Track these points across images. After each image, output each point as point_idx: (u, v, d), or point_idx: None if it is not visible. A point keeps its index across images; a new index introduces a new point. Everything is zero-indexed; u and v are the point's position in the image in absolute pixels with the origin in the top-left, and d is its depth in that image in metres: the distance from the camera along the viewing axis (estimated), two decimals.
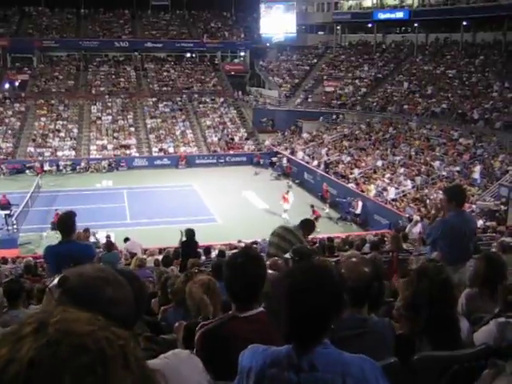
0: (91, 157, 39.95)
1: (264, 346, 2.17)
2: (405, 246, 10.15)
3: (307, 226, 7.28)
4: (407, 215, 22.73)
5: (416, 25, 48.44)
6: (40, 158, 38.56)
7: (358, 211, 26.47)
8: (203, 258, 12.23)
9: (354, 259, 3.37)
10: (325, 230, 24.20)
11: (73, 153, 40.48)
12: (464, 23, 45.30)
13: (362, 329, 2.91)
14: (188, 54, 57.03)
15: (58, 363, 0.83)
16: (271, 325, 2.73)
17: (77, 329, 0.89)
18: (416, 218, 18.69)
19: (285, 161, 37.87)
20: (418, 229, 14.49)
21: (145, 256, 13.66)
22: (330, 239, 14.05)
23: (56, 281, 1.70)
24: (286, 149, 39.94)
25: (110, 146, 41.29)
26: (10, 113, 44.15)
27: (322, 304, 2.03)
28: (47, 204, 29.04)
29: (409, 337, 3.17)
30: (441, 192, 23.83)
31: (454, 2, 45.80)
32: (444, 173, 26.82)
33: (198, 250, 12.79)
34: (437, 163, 28.00)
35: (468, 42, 45.44)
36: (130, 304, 1.70)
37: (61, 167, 38.15)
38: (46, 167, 37.58)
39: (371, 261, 3.67)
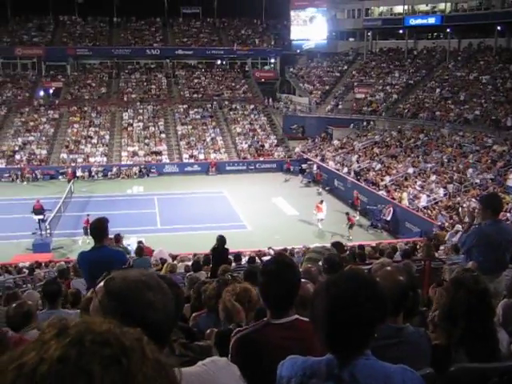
0: (122, 163, 40.44)
1: (303, 357, 2.15)
2: (437, 254, 10.01)
3: (338, 247, 7.31)
4: (439, 223, 22.43)
5: (448, 30, 47.88)
6: (73, 164, 39.18)
7: (389, 218, 26.23)
8: (233, 264, 12.22)
9: (388, 268, 3.32)
10: (355, 237, 24.09)
11: (104, 159, 41.04)
12: (498, 28, 44.68)
13: (398, 338, 2.87)
14: (218, 61, 57.42)
15: (85, 357, 0.90)
16: (306, 332, 2.71)
17: (96, 328, 0.96)
18: (458, 226, 18.41)
19: (315, 168, 37.77)
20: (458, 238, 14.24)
21: (175, 262, 13.73)
22: (361, 247, 13.90)
23: (102, 282, 1.73)
24: (316, 156, 39.84)
25: (140, 153, 41.73)
26: (44, 120, 45.02)
27: (367, 314, 1.99)
28: (79, 209, 29.47)
29: (445, 347, 3.11)
30: (474, 200, 23.50)
31: (488, 7, 45.22)
32: (477, 180, 26.39)
33: (229, 256, 12.80)
34: (470, 171, 27.58)
35: (502, 47, 44.75)
36: (170, 311, 1.71)
37: (93, 173, 38.70)
38: (79, 173, 38.16)
39: (405, 269, 3.63)
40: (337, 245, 7.40)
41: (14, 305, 5.08)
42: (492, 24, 44.39)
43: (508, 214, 21.38)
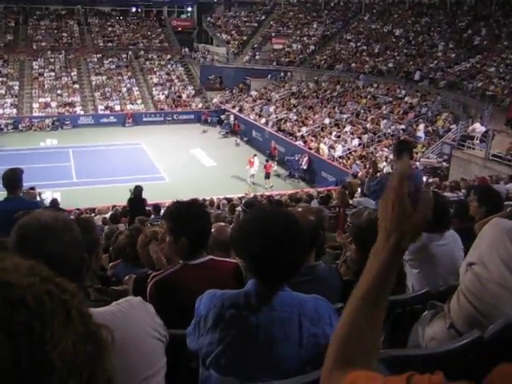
0: (34, 115, 38.72)
1: (221, 290, 2.25)
2: (351, 202, 10.37)
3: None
4: (353, 172, 23.15)
5: None
6: None
7: (305, 167, 26.82)
8: (152, 216, 12.19)
9: (299, 209, 3.50)
10: (274, 187, 24.51)
11: (14, 111, 39.07)
12: None
13: (311, 275, 3.03)
14: (133, 9, 55.41)
15: None
16: (220, 271, 2.92)
17: (15, 281, 0.79)
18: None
19: (232, 118, 37.73)
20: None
21: (93, 215, 13.53)
22: (278, 195, 14.22)
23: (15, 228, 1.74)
24: (234, 107, 39.75)
25: (53, 104, 40.07)
26: None
27: (294, 250, 2.13)
28: None
29: (354, 282, 3.31)
30: (386, 149, 24.41)
31: None
32: (389, 131, 27.32)
33: (147, 207, 12.75)
34: (383, 121, 28.47)
35: (415, 1, 45.76)
36: (80, 248, 1.73)
37: (2, 126, 36.84)
38: None
39: (316, 211, 3.80)
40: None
41: None
42: None
43: (417, 163, 22.38)
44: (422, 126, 26.39)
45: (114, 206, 15.60)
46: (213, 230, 3.91)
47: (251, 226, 2.21)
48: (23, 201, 6.25)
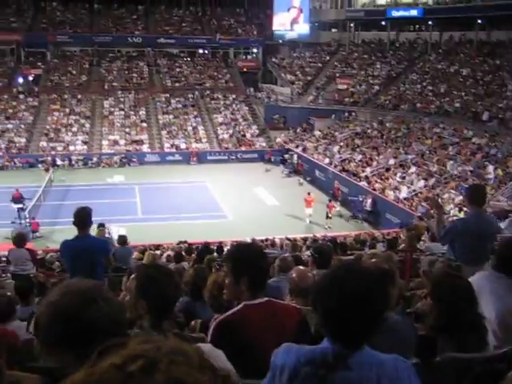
0: (103, 152, 40.10)
1: (298, 345, 2.19)
2: (418, 245, 10.09)
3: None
4: (419, 214, 22.61)
5: (430, 23, 48.07)
6: (52, 153, 38.76)
7: (369, 208, 26.40)
8: (215, 254, 12.22)
9: (374, 259, 3.38)
10: (337, 228, 24.23)
11: (85, 148, 40.66)
12: (479, 21, 44.94)
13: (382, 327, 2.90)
14: (200, 50, 57.04)
15: None
16: (279, 313, 2.95)
17: (188, 380, 0.81)
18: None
19: (296, 158, 37.82)
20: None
21: (157, 252, 13.69)
22: (343, 238, 14.00)
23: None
24: (298, 146, 39.87)
25: (121, 142, 41.44)
26: (23, 107, 44.37)
27: (375, 309, 2.06)
28: (59, 198, 29.22)
29: (431, 338, 3.15)
30: (453, 191, 23.78)
31: (469, 0, 45.45)
32: (456, 172, 26.67)
33: (211, 246, 12.82)
34: (449, 162, 27.84)
35: (482, 40, 45.03)
36: (116, 318, 1.76)
37: (73, 162, 38.32)
38: (59, 162, 37.77)
39: (389, 259, 3.67)
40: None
41: None
42: (472, 17, 44.64)
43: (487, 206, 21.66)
44: (491, 168, 25.62)
45: (179, 243, 15.75)
46: (294, 275, 3.84)
47: (330, 284, 2.13)
48: (91, 239, 6.39)
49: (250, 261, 2.94)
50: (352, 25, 54.16)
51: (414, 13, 49.01)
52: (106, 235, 12.19)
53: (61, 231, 21.60)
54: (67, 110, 44.51)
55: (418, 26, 51.99)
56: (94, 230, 9.48)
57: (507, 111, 31.86)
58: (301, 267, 4.25)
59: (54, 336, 1.69)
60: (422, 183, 26.79)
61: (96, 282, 1.94)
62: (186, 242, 16.08)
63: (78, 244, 6.05)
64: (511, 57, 39.74)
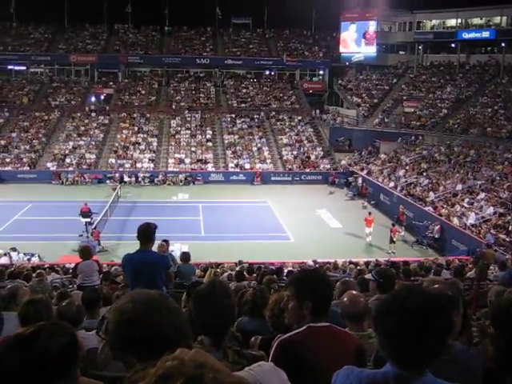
0: (169, 170, 40.96)
1: (359, 368, 2.18)
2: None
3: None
4: (487, 242, 21.82)
5: (503, 44, 46.85)
6: (120, 169, 39.91)
7: (437, 236, 25.68)
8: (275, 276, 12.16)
9: (437, 285, 3.26)
10: (400, 253, 23.72)
11: (151, 165, 41.68)
12: None
13: (446, 355, 2.78)
14: (267, 72, 57.69)
15: None
16: (340, 337, 3.02)
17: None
18: None
19: (360, 181, 37.41)
20: None
21: (218, 270, 13.77)
22: (406, 263, 13.68)
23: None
24: (362, 169, 39.45)
25: (187, 160, 42.21)
26: (94, 125, 46.11)
27: (438, 332, 2.00)
28: (125, 214, 29.97)
29: (499, 371, 2.99)
30: None
31: None
32: None
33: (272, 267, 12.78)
34: None
35: None
36: (180, 326, 1.84)
37: (139, 179, 39.32)
38: (126, 178, 38.83)
39: (454, 286, 3.54)
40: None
41: (64, 303, 5.14)
42: None
43: None
44: None
45: (240, 262, 15.79)
46: (345, 299, 3.78)
47: (391, 301, 2.08)
48: (152, 253, 6.52)
49: (313, 286, 2.98)
50: (420, 47, 53.49)
51: (486, 34, 48.00)
52: (169, 251, 12.36)
53: (125, 246, 22.13)
54: (136, 129, 45.86)
55: (489, 48, 50.72)
56: (156, 246, 9.63)
57: None
58: (353, 292, 4.19)
59: (120, 340, 1.79)
60: (491, 210, 25.88)
61: (161, 293, 1.99)
62: (245, 262, 16.11)
63: (140, 258, 6.18)
64: None
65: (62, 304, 5.12)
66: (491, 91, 44.02)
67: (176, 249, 18.60)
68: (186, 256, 11.79)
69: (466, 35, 49.06)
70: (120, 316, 1.81)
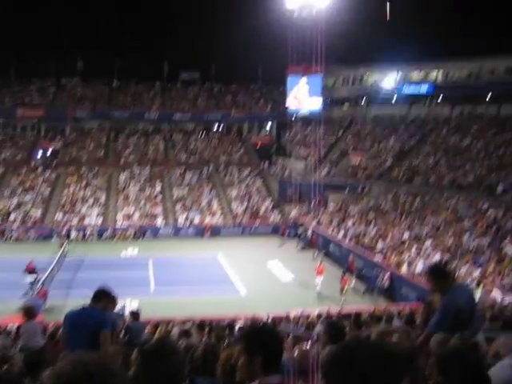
0: (117, 225, 40.31)
1: None
2: None
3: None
4: None
5: (440, 98, 49.07)
6: (67, 225, 39.03)
7: (387, 284, 25.93)
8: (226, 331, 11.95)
9: (393, 335, 3.25)
10: (351, 302, 23.75)
11: (99, 220, 40.93)
12: (488, 96, 45.89)
13: None
14: (215, 126, 58.28)
15: None
16: None
17: None
18: None
19: (310, 232, 37.68)
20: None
21: (169, 326, 13.43)
22: (357, 313, 13.67)
23: None
24: (312, 220, 39.80)
25: (136, 215, 41.69)
26: (40, 180, 45.22)
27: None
28: (73, 270, 29.15)
29: None
30: (468, 264, 23.39)
31: (478, 76, 46.56)
32: (473, 246, 26.31)
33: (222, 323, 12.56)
34: (465, 236, 27.53)
35: (493, 114, 45.71)
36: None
37: (87, 234, 38.51)
38: (73, 234, 37.98)
39: (408, 336, 3.54)
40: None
41: (4, 367, 4.90)
42: (482, 93, 45.71)
43: (506, 280, 21.24)
44: (506, 241, 25.26)
45: (189, 320, 15.46)
46: (295, 355, 3.72)
47: (340, 353, 2.04)
48: (91, 311, 6.20)
49: (264, 341, 2.93)
50: (364, 101, 55.32)
51: (424, 88, 50.18)
52: (117, 309, 12.00)
53: (72, 304, 21.34)
54: (83, 183, 45.24)
55: (428, 101, 52.94)
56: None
57: None
58: (303, 347, 4.15)
59: None
60: (438, 256, 26.41)
61: (101, 356, 1.90)
62: (196, 318, 15.80)
63: (75, 315, 5.97)
64: None
65: (3, 368, 4.87)
66: (432, 142, 45.60)
67: (125, 306, 18.09)
68: (135, 313, 11.47)
69: (406, 89, 51.11)
70: (57, 380, 1.70)
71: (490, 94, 45.63)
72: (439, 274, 4.96)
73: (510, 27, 51.33)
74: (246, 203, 44.84)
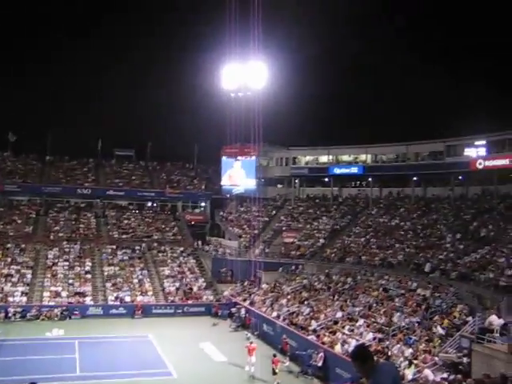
0: (43, 304, 38.50)
1: None
2: None
3: None
4: None
5: (370, 179, 51.00)
6: None
7: (320, 364, 25.64)
8: None
9: None
10: None
11: (24, 299, 38.96)
12: (414, 178, 48.13)
13: None
14: (149, 203, 57.99)
15: None
16: None
17: None
18: None
19: (243, 312, 37.23)
20: None
21: None
22: None
23: None
24: (245, 300, 39.45)
25: (64, 294, 40.03)
26: None
27: None
28: None
29: None
30: (400, 343, 23.57)
31: (404, 159, 48.88)
32: (403, 324, 26.58)
33: None
34: (397, 314, 27.84)
35: (419, 196, 47.79)
36: None
37: (9, 314, 36.48)
38: None
39: None
40: None
41: None
42: (408, 175, 47.99)
43: (436, 358, 21.45)
44: (437, 319, 25.70)
45: None
46: None
47: None
48: None
49: None
50: (297, 181, 56.73)
51: (354, 170, 52.30)
52: None
53: None
54: (9, 260, 43.35)
55: (359, 182, 54.89)
56: None
57: (448, 262, 32.81)
58: None
59: None
60: (370, 336, 26.47)
61: None
62: None
63: None
64: (446, 211, 41.95)
65: None
66: (363, 221, 46.89)
67: None
68: None
69: (337, 170, 52.92)
70: None
71: (415, 176, 47.90)
72: (360, 357, 4.91)
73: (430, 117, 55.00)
74: (178, 282, 44.06)
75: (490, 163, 40.39)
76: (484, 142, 41.68)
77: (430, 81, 58.53)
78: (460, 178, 45.67)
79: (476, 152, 41.82)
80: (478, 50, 58.11)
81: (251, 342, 26.93)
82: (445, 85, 56.61)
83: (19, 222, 49.91)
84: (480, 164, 40.87)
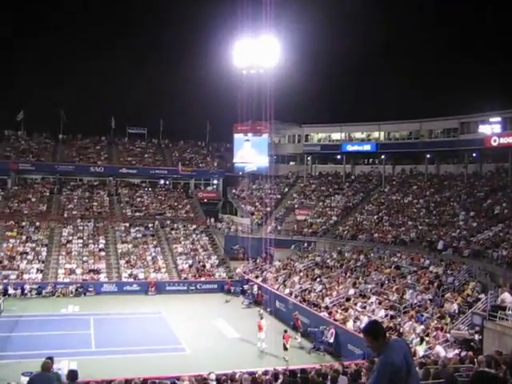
0: (58, 281, 39.02)
1: None
2: None
3: None
4: None
5: (383, 157, 50.65)
6: (5, 281, 37.50)
7: (332, 340, 25.83)
8: None
9: None
10: (298, 360, 23.53)
11: (39, 276, 39.51)
12: (428, 156, 47.75)
13: None
14: (162, 181, 58.12)
15: None
16: None
17: None
18: None
19: (256, 288, 37.47)
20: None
21: None
22: (304, 370, 13.51)
23: None
24: (258, 277, 39.68)
25: (78, 271, 40.52)
26: None
27: None
28: (8, 330, 27.78)
29: None
30: (412, 320, 23.65)
31: (418, 137, 48.43)
32: (415, 301, 26.66)
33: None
34: (409, 291, 27.89)
35: (432, 173, 47.47)
36: None
37: (26, 291, 37.03)
38: (10, 290, 36.46)
39: None
40: None
41: None
42: (422, 152, 47.59)
43: (448, 335, 21.52)
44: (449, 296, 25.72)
45: (132, 379, 14.91)
46: None
47: None
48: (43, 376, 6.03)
49: None
50: (309, 158, 56.49)
51: (367, 147, 51.89)
52: (54, 369, 11.49)
53: (6, 366, 20.32)
54: (24, 238, 43.83)
55: (371, 160, 54.57)
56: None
57: (460, 240, 32.70)
58: None
59: None
60: (382, 313, 26.60)
61: None
62: (140, 377, 15.29)
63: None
64: (460, 189, 41.67)
65: None
66: (375, 199, 46.76)
67: (63, 366, 17.32)
68: (73, 374, 10.94)
69: (350, 148, 52.62)
70: None
71: (429, 153, 47.54)
72: (372, 333, 4.90)
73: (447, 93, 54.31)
74: (191, 259, 44.38)
75: (504, 140, 39.88)
76: (499, 119, 41.08)
77: (444, 58, 57.94)
78: (474, 155, 45.20)
79: (491, 129, 41.25)
80: (493, 24, 57.08)
81: (262, 318, 27.22)
82: (459, 60, 55.97)
83: (33, 200, 50.33)
84: (495, 141, 40.39)
